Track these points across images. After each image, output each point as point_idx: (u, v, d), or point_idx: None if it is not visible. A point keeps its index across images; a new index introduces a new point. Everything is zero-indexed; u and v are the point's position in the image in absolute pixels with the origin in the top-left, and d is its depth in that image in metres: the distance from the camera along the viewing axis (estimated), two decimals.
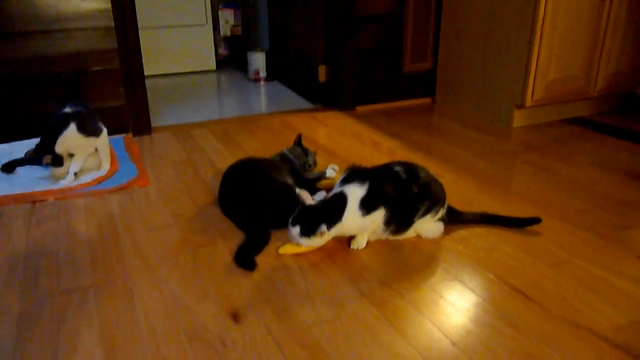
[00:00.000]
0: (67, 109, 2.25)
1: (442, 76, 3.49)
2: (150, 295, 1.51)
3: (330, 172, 2.24)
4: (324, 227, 1.60)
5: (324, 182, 2.20)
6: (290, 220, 1.66)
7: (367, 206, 1.65)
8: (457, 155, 2.61)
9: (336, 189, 1.72)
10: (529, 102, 2.89)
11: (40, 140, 2.21)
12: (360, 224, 1.68)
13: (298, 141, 2.31)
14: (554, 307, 1.45)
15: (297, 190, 1.74)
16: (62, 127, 2.19)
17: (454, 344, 1.31)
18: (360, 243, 1.74)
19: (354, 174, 1.72)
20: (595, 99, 3.22)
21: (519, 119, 3.03)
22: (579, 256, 1.70)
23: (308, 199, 1.69)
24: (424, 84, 3.59)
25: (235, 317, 1.41)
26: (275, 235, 1.82)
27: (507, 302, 1.47)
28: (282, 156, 2.23)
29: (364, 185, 1.67)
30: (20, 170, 2.36)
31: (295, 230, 1.64)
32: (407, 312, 1.43)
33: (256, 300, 1.48)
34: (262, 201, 1.86)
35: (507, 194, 2.18)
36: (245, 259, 1.67)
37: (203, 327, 1.38)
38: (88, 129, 2.26)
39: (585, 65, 2.98)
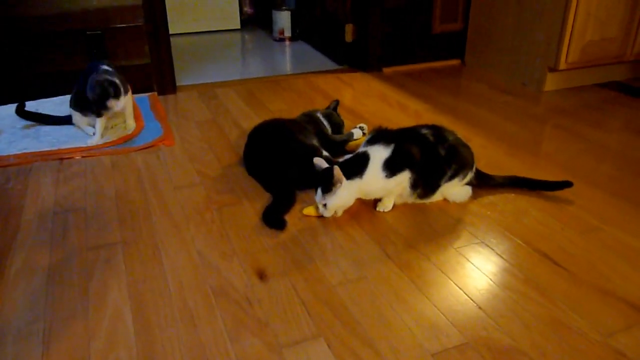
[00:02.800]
0: (99, 69, 2.22)
1: (472, 37, 3.39)
2: (177, 253, 1.53)
3: (357, 133, 2.21)
4: (339, 171, 1.56)
5: (352, 144, 2.17)
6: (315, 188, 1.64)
7: (391, 168, 1.63)
8: (486, 119, 2.55)
9: (360, 150, 1.70)
10: (562, 64, 2.79)
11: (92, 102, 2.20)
12: (384, 186, 1.66)
13: (335, 107, 2.35)
14: (583, 273, 1.42)
15: (314, 159, 1.68)
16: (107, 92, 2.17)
17: (479, 307, 1.30)
18: (386, 205, 1.73)
19: (379, 135, 1.69)
20: (631, 63, 3.10)
21: (551, 82, 2.94)
22: (610, 223, 1.66)
23: (322, 163, 1.66)
24: (453, 45, 3.48)
25: (261, 275, 1.42)
26: (301, 196, 1.81)
27: (535, 267, 1.45)
28: (309, 117, 2.20)
29: (389, 147, 1.64)
30: (47, 128, 2.38)
31: (319, 194, 1.62)
32: (432, 275, 1.42)
33: (282, 260, 1.49)
34: (287, 162, 1.85)
35: (537, 158, 2.13)
36: (274, 218, 1.67)
37: (229, 284, 1.39)
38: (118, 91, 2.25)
39: (624, 28, 2.85)
